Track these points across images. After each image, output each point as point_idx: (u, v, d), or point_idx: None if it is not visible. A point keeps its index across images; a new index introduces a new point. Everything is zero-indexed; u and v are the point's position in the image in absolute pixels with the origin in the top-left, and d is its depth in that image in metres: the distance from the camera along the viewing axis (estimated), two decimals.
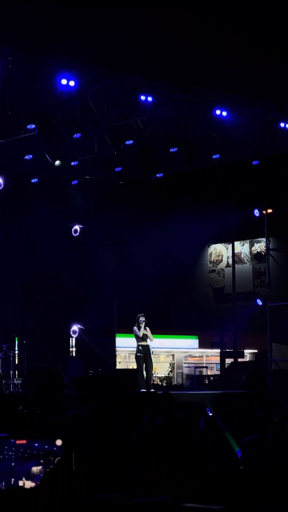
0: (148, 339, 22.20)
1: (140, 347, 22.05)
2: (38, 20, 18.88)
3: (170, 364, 35.22)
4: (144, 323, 22.13)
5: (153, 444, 5.81)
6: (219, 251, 38.24)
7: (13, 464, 4.69)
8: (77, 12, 19.70)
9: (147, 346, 22.12)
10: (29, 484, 4.68)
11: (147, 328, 22.21)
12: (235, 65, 22.27)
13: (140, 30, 20.67)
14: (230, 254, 34.37)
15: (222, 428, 8.36)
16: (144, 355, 22.02)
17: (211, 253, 38.62)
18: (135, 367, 22.96)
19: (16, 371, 22.50)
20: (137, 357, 22.14)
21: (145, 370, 22.05)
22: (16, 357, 22.94)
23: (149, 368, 22.31)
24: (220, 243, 37.84)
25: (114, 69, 20.40)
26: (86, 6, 19.92)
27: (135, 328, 22.14)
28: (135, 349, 22.33)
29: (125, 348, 30.46)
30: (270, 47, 23.14)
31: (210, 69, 21.68)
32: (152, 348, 22.78)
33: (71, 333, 26.83)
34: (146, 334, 22.13)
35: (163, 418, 8.72)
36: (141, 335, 21.90)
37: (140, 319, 22.12)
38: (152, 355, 22.47)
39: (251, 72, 22.62)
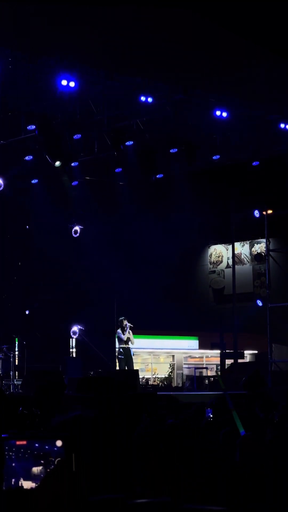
0: (129, 342, 22.54)
1: (121, 350, 22.35)
2: (38, 20, 18.88)
3: (170, 365, 35.18)
4: (128, 327, 22.44)
5: (153, 444, 5.81)
6: (219, 252, 38.23)
7: (13, 464, 4.69)
8: (77, 13, 19.71)
9: (129, 349, 22.47)
10: (29, 484, 4.68)
11: (130, 331, 22.57)
12: (235, 66, 22.28)
13: (140, 30, 20.68)
14: (230, 255, 34.33)
15: (230, 407, 8.42)
16: (125, 357, 22.32)
17: (211, 254, 38.61)
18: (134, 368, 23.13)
19: (16, 372, 22.50)
20: (119, 359, 22.42)
21: None
22: (16, 358, 22.93)
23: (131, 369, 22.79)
24: (220, 244, 37.83)
25: (114, 70, 20.41)
26: (86, 6, 19.93)
27: (119, 331, 22.40)
28: (133, 350, 22.57)
29: None
30: (270, 47, 23.14)
31: (210, 70, 21.69)
32: (150, 349, 23.09)
33: (71, 334, 26.82)
34: (129, 337, 22.50)
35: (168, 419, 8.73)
36: (125, 339, 22.26)
37: (124, 322, 22.42)
38: (133, 357, 22.90)
39: (251, 73, 22.63)
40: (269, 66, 23.12)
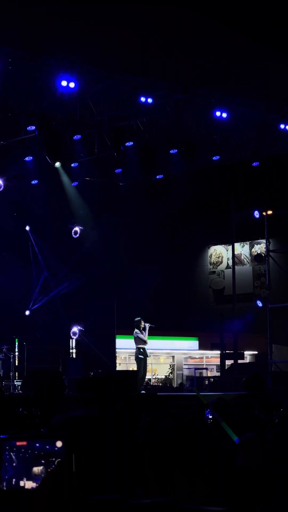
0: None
1: (141, 350, 22.29)
2: (38, 20, 18.88)
3: (170, 365, 35.23)
4: (147, 327, 22.42)
5: (154, 444, 5.81)
6: (219, 252, 38.28)
7: (14, 465, 4.69)
8: (77, 11, 19.70)
9: (145, 349, 22.46)
10: (30, 484, 4.68)
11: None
12: (235, 66, 22.27)
13: (140, 29, 20.67)
14: (230, 255, 34.38)
15: (217, 418, 8.49)
16: (144, 357, 22.31)
17: (211, 254, 38.65)
18: (135, 368, 23.13)
19: (16, 373, 22.49)
20: (139, 359, 22.35)
21: (143, 371, 22.40)
22: (16, 358, 22.92)
23: (146, 369, 22.76)
24: (220, 244, 37.88)
25: (114, 69, 20.40)
26: (86, 6, 19.92)
27: (137, 331, 22.32)
28: (135, 350, 22.53)
29: (125, 350, 30.46)
30: (270, 46, 23.15)
31: (210, 69, 21.68)
32: (151, 349, 23.03)
33: (71, 334, 26.82)
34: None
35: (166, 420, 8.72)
36: (145, 339, 22.30)
37: (142, 323, 22.38)
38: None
39: (251, 72, 22.63)
40: (269, 67, 23.12)
